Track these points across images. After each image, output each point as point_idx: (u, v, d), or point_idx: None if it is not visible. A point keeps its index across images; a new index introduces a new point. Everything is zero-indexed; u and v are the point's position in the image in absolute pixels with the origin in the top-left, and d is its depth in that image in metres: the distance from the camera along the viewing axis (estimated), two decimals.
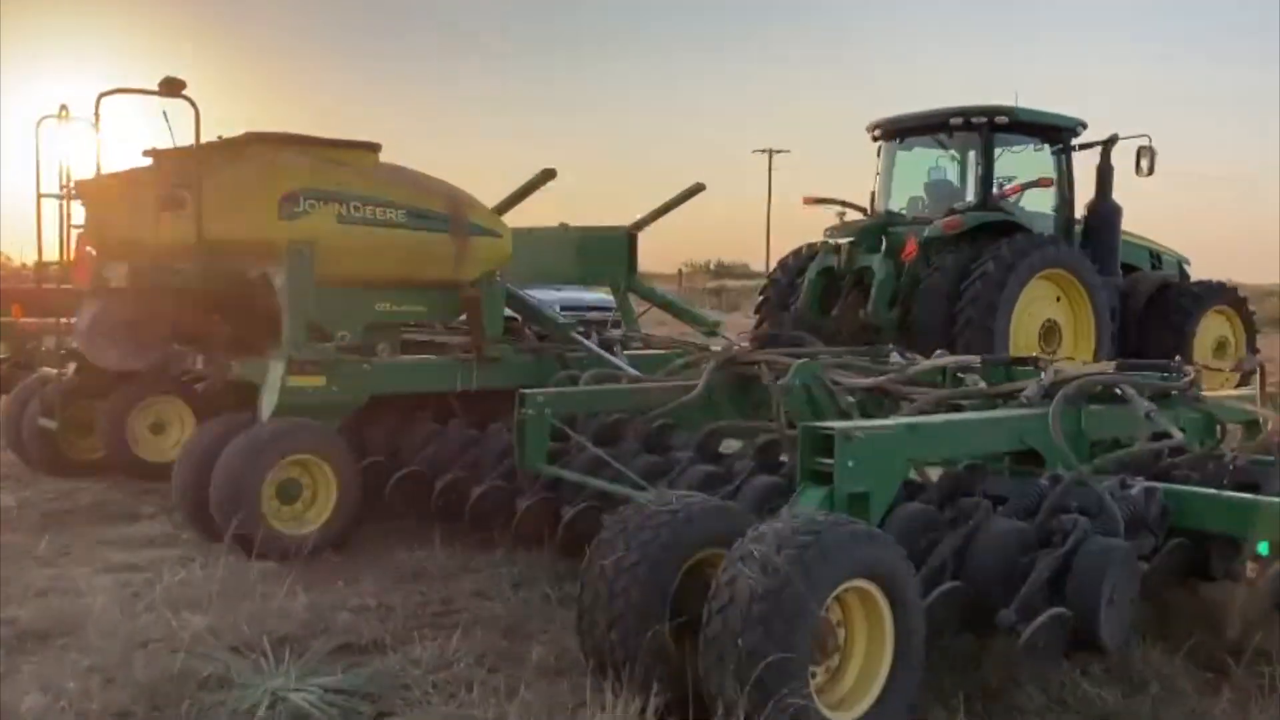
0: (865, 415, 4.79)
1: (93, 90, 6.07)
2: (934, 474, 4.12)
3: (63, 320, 6.90)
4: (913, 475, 4.09)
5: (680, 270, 51.66)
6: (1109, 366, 4.56)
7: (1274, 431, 4.69)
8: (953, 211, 10.48)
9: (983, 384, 4.94)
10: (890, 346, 6.11)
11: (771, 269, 12.18)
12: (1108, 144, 11.01)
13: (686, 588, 3.47)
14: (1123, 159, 11.11)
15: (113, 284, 6.33)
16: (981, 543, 3.65)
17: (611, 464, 4.92)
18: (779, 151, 70.52)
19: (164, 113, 6.16)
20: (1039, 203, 11.01)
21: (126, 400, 7.05)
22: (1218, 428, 4.82)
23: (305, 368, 5.77)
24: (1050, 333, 10.07)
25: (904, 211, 11.26)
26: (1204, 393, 4.91)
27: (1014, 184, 10.75)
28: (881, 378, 5.07)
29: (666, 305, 8.78)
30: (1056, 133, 10.88)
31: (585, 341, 6.84)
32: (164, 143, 6.40)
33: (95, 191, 6.44)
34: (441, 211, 6.41)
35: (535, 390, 5.31)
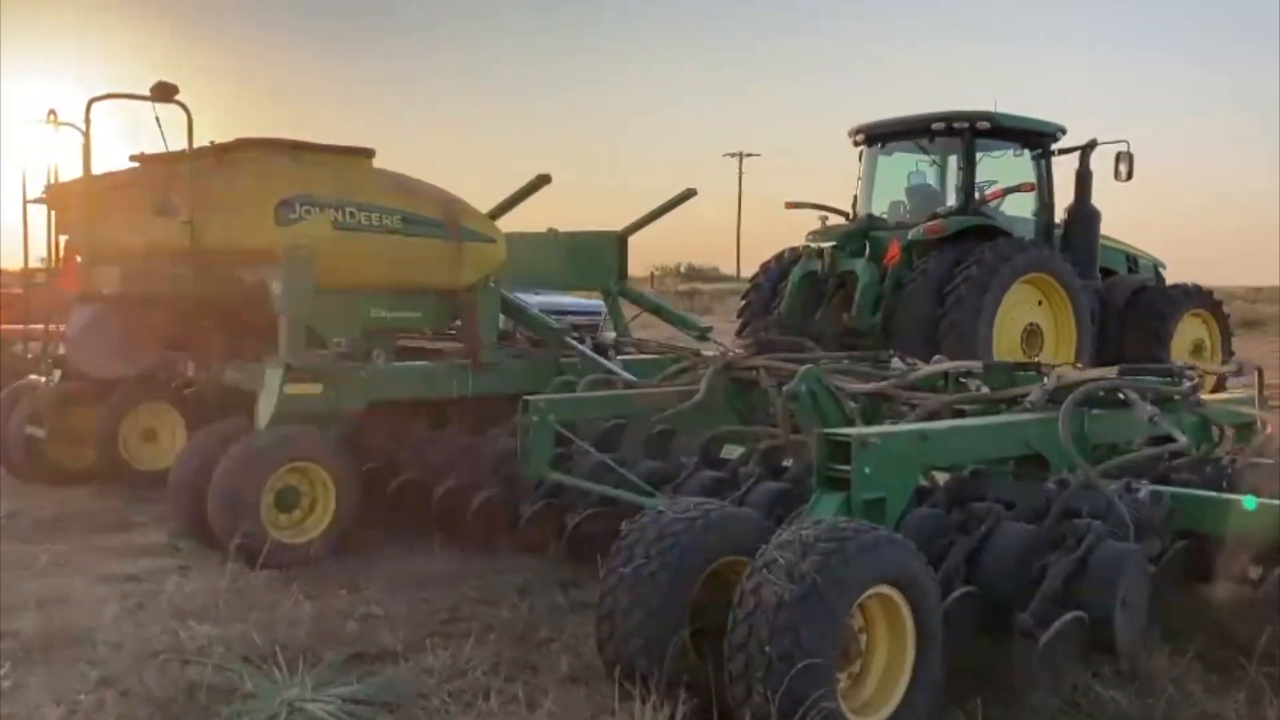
0: (866, 421, 4.83)
1: (77, 96, 6.03)
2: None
3: (51, 327, 6.81)
4: (920, 480, 4.12)
5: (652, 273, 51.74)
6: (1111, 371, 4.61)
7: (1274, 434, 4.76)
8: (935, 216, 10.55)
9: (986, 389, 4.98)
10: (891, 351, 6.15)
11: (753, 273, 12.23)
12: (1086, 149, 11.12)
13: (704, 595, 3.49)
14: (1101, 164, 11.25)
15: (105, 290, 6.26)
16: (995, 547, 3.69)
17: (616, 469, 4.93)
18: (749, 155, 70.96)
19: (157, 118, 6.11)
20: (1019, 207, 11.11)
21: (118, 408, 6.98)
22: (1215, 431, 4.89)
23: (303, 375, 5.74)
24: (1032, 336, 10.15)
25: (885, 216, 11.33)
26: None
27: (995, 188, 10.85)
28: (883, 383, 5.10)
29: (656, 310, 8.79)
30: (1037, 138, 10.98)
31: (580, 346, 6.84)
32: (140, 148, 6.39)
33: (67, 197, 6.39)
34: (436, 217, 6.40)
35: (539, 396, 5.31)
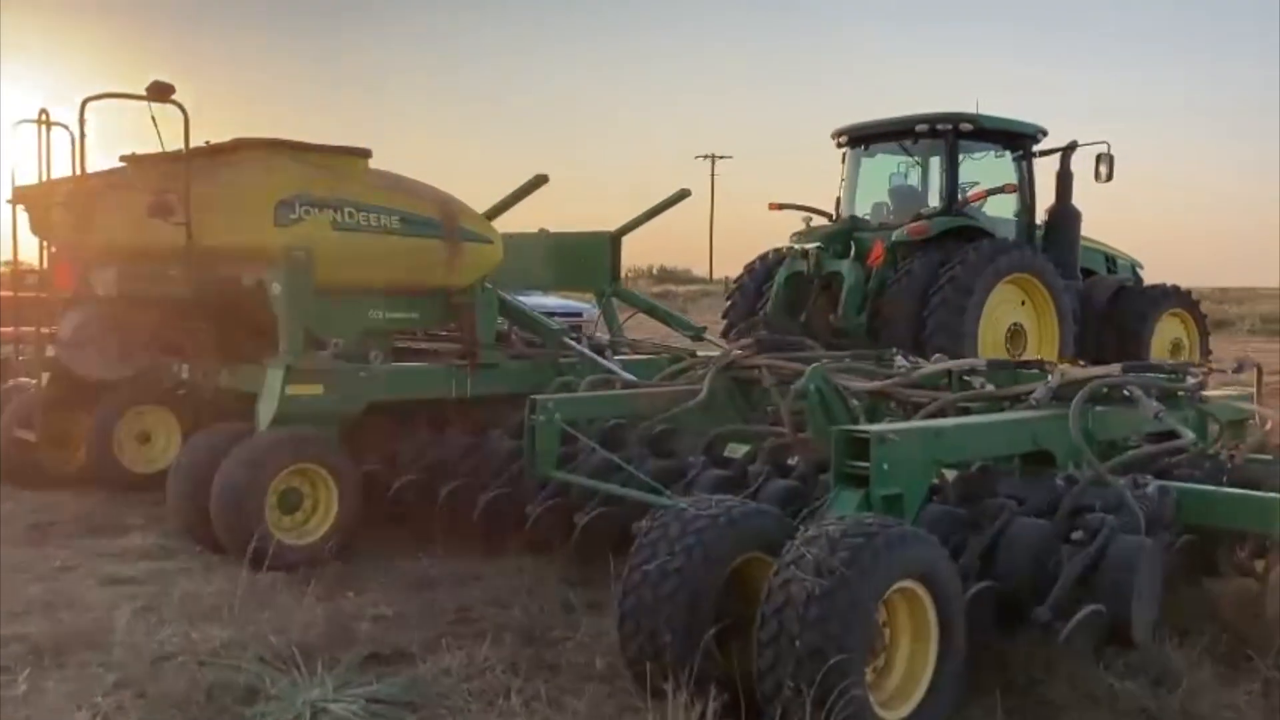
0: (869, 419, 4.86)
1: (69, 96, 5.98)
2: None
3: (42, 330, 6.73)
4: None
5: (625, 275, 51.58)
6: (1115, 369, 4.67)
7: (1274, 430, 4.84)
8: (918, 217, 10.65)
9: (990, 387, 5.04)
10: (895, 350, 6.20)
11: (737, 275, 12.30)
12: (1067, 150, 11.25)
13: (726, 592, 3.51)
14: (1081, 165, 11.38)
15: (99, 292, 6.21)
16: (1009, 542, 3.74)
17: (625, 468, 4.94)
18: (722, 157, 71.18)
19: (153, 118, 6.06)
20: (1001, 208, 11.23)
21: (113, 410, 6.91)
22: (1214, 427, 4.97)
23: (304, 375, 5.71)
24: (1016, 336, 10.28)
25: (868, 217, 11.42)
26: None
27: (978, 190, 10.95)
28: (887, 381, 5.14)
29: (650, 310, 8.81)
30: (1019, 139, 11.11)
31: (578, 347, 6.85)
32: (120, 149, 6.36)
33: (37, 198, 6.33)
34: (434, 217, 6.39)
35: (546, 396, 5.32)
